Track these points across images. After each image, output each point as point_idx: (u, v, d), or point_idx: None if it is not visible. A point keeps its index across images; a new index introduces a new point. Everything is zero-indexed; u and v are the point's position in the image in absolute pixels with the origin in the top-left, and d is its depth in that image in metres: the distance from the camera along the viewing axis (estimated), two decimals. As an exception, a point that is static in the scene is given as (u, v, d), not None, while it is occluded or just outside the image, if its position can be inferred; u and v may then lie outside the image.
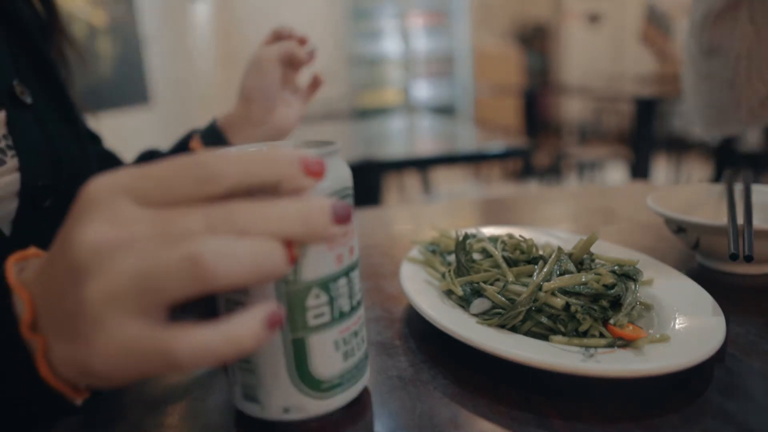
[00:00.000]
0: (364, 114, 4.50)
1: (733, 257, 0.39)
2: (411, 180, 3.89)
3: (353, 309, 0.31)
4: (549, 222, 0.72)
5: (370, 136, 2.42)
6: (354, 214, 0.28)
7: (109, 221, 0.23)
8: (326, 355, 0.30)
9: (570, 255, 0.39)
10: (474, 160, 2.37)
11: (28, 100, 0.53)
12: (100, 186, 0.24)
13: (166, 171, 0.23)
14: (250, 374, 0.30)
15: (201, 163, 0.23)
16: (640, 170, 3.09)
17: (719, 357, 0.36)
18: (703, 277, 0.49)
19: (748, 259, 0.39)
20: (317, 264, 0.29)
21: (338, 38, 4.82)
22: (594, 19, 5.17)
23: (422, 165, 2.73)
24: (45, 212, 0.52)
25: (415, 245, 0.51)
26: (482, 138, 2.44)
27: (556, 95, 5.19)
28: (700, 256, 0.52)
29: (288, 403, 0.30)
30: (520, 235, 0.43)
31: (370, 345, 0.40)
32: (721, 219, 0.47)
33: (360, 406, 0.33)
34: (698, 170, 3.88)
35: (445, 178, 4.22)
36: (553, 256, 0.38)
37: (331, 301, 0.30)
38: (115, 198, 0.23)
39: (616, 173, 3.99)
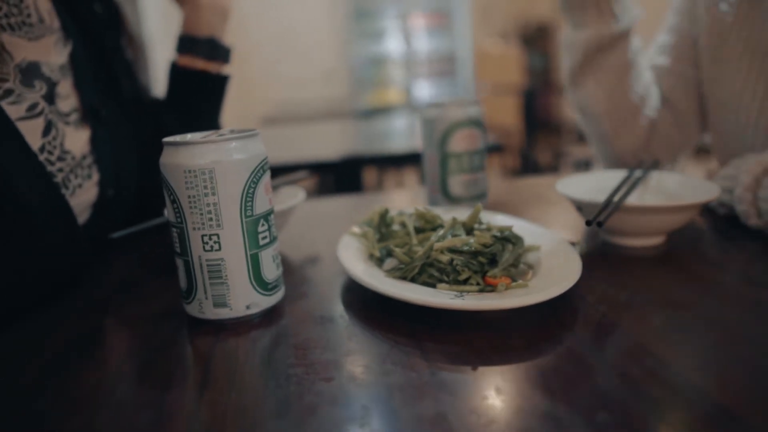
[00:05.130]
0: (367, 113, 4.59)
1: (588, 223, 0.48)
2: (410, 176, 3.98)
3: (276, 237, 0.46)
4: (515, 208, 0.81)
5: (372, 134, 2.51)
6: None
7: None
8: (269, 264, 0.45)
9: (463, 223, 0.48)
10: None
11: (104, 113, 0.60)
12: None
13: None
14: (221, 286, 0.43)
15: None
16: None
17: (576, 303, 0.45)
18: (601, 248, 0.58)
19: (599, 225, 0.48)
20: (261, 203, 0.43)
21: (340, 38, 4.92)
22: (595, 19, 5.22)
23: (420, 161, 2.81)
24: (108, 218, 0.59)
25: (356, 223, 0.61)
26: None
27: (556, 95, 5.25)
28: (600, 231, 0.61)
29: (249, 302, 0.44)
30: (425, 207, 0.52)
31: (315, 294, 0.50)
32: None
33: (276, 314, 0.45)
34: (692, 166, 3.92)
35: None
36: (447, 224, 0.47)
37: (269, 228, 0.45)
38: None
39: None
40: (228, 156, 0.41)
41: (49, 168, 0.53)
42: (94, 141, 0.57)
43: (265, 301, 0.45)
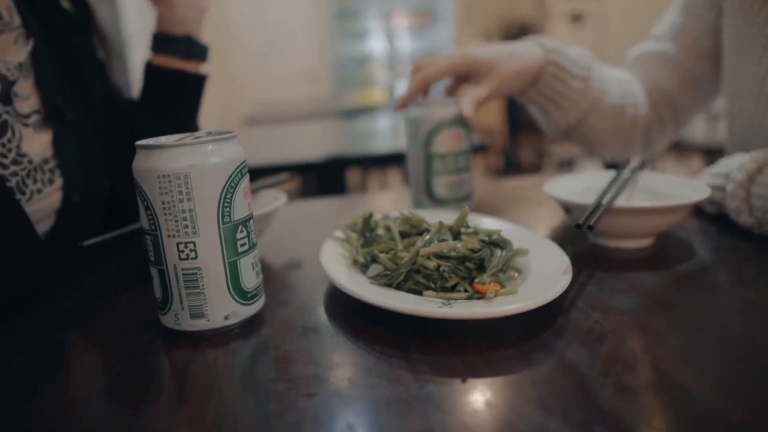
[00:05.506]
0: (350, 113, 4.57)
1: (578, 227, 0.47)
2: (394, 176, 3.97)
3: (255, 243, 0.44)
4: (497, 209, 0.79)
5: (355, 135, 2.49)
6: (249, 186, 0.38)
7: None
8: (249, 272, 0.43)
9: (450, 228, 0.46)
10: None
11: (69, 116, 0.58)
12: None
13: None
14: (197, 296, 0.41)
15: None
16: (613, 166, 3.17)
17: (566, 309, 0.44)
18: (590, 251, 0.57)
19: (589, 228, 0.46)
20: (240, 209, 0.41)
21: (324, 38, 4.89)
22: (577, 18, 5.26)
23: (403, 161, 2.80)
24: (75, 225, 0.57)
25: (340, 227, 0.59)
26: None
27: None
28: (588, 233, 0.60)
29: (228, 312, 0.42)
30: (410, 211, 0.50)
31: (296, 302, 0.48)
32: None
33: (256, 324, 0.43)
34: (671, 165, 3.97)
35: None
36: (433, 228, 0.45)
37: (248, 234, 0.43)
38: None
39: (593, 169, 4.08)
40: (204, 160, 0.39)
41: (1, 171, 0.50)
42: (57, 144, 0.55)
43: (245, 311, 0.43)
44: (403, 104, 0.70)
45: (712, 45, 0.77)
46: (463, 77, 0.73)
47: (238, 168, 0.41)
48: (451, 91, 0.74)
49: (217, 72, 4.30)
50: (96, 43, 0.68)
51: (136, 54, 2.73)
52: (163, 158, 0.38)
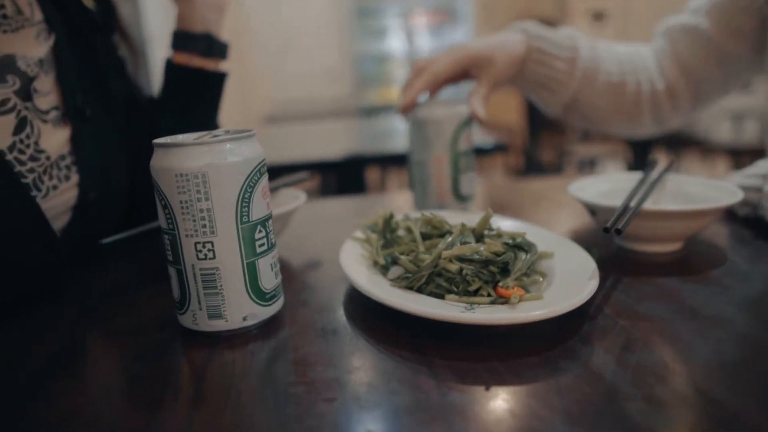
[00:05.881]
0: (370, 111, 4.56)
1: (605, 230, 0.45)
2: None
3: (274, 243, 0.43)
4: (520, 211, 0.78)
5: (375, 133, 2.48)
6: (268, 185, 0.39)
7: None
8: (267, 272, 0.42)
9: (473, 230, 0.45)
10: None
11: (88, 113, 0.58)
12: None
13: None
14: (215, 296, 0.40)
15: None
16: (637, 166, 3.13)
17: (593, 315, 0.42)
18: (616, 254, 0.55)
19: (618, 232, 0.45)
20: (258, 209, 0.40)
21: (343, 37, 4.88)
22: (598, 17, 5.19)
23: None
24: (93, 222, 0.57)
25: (360, 227, 0.58)
26: (484, 135, 2.49)
27: (560, 93, 5.21)
28: (616, 236, 0.58)
29: (246, 313, 0.41)
30: (431, 212, 0.49)
31: (316, 303, 0.47)
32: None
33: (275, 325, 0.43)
34: (696, 166, 3.90)
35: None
36: (456, 230, 0.44)
37: (267, 234, 0.42)
38: None
39: (615, 169, 4.02)
40: (222, 158, 0.38)
41: (18, 168, 0.50)
42: (75, 141, 0.55)
43: (263, 312, 0.42)
44: (409, 107, 0.70)
45: (749, 24, 0.74)
46: (461, 74, 0.73)
47: (256, 167, 0.40)
48: (434, 90, 0.73)
49: (236, 70, 4.33)
50: (118, 42, 0.68)
51: (158, 53, 2.75)
52: (181, 157, 0.38)
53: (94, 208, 0.57)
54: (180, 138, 0.40)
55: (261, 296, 0.42)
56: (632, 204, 0.50)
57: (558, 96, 0.77)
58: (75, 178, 0.54)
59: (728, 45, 0.76)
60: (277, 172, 0.83)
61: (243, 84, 4.52)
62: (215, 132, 0.42)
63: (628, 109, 0.81)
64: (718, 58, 0.77)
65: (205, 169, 0.38)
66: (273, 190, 0.66)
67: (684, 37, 0.80)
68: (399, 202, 0.90)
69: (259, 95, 4.61)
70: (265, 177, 0.41)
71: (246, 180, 0.39)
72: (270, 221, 0.42)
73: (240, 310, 0.41)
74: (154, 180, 0.39)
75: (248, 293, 0.41)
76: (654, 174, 0.61)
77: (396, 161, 2.42)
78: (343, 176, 1.77)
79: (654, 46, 0.84)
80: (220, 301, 0.40)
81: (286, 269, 0.57)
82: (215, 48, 0.69)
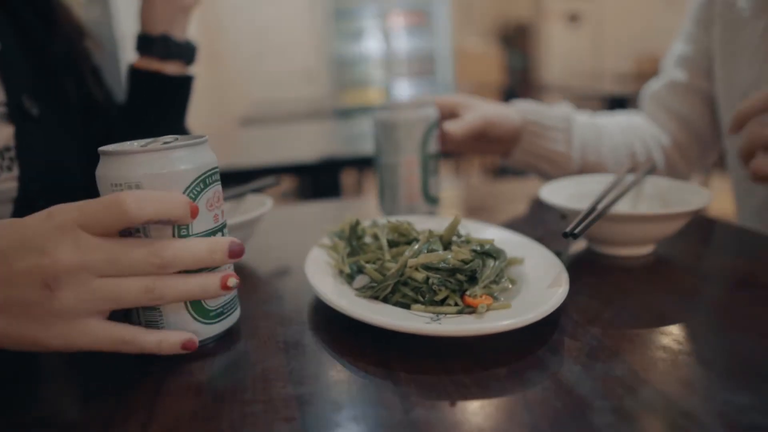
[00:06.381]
0: (346, 113, 4.54)
1: (564, 235, 0.44)
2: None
3: None
4: (496, 214, 0.77)
5: (351, 135, 2.46)
6: (221, 195, 0.38)
7: (75, 246, 0.32)
8: None
9: (440, 236, 0.44)
10: (447, 156, 2.43)
11: (35, 112, 0.57)
12: (64, 215, 0.33)
13: (97, 207, 0.33)
14: (153, 312, 0.38)
15: (122, 204, 0.32)
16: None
17: (563, 323, 0.41)
18: (586, 258, 0.55)
19: (574, 236, 0.44)
20: (203, 221, 0.38)
21: (320, 38, 4.85)
22: (574, 18, 5.24)
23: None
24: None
25: (326, 233, 0.56)
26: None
27: (536, 94, 5.26)
28: (587, 240, 0.57)
29: (187, 331, 0.38)
30: (397, 219, 0.48)
31: (279, 314, 0.45)
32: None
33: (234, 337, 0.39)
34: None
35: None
36: (422, 237, 0.43)
37: None
38: (75, 228, 0.32)
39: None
40: (160, 168, 0.35)
41: None
42: (18, 137, 0.55)
43: (207, 331, 0.40)
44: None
45: (711, 65, 0.77)
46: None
47: (201, 176, 0.37)
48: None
49: (211, 71, 4.27)
50: (88, 48, 0.67)
51: (129, 55, 2.70)
52: (117, 166, 0.36)
53: (40, 202, 0.56)
54: (125, 145, 0.38)
55: (204, 314, 0.39)
56: (600, 207, 0.49)
57: (561, 168, 0.76)
58: (16, 170, 0.54)
59: (710, 88, 0.79)
60: (252, 176, 0.80)
61: (218, 85, 4.46)
62: (165, 138, 0.39)
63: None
64: (704, 102, 0.80)
65: (140, 179, 0.35)
66: (239, 196, 0.64)
67: (670, 93, 0.83)
68: (372, 206, 0.88)
69: (234, 96, 4.56)
70: (215, 186, 0.39)
71: (186, 191, 0.36)
72: (221, 233, 0.40)
73: (179, 328, 0.38)
74: (99, 188, 0.37)
75: (188, 311, 0.38)
76: (630, 177, 0.61)
77: (373, 164, 2.41)
78: (319, 179, 1.75)
79: (644, 112, 0.86)
80: (158, 317, 0.38)
81: (251, 278, 0.55)
82: (173, 50, 0.67)
